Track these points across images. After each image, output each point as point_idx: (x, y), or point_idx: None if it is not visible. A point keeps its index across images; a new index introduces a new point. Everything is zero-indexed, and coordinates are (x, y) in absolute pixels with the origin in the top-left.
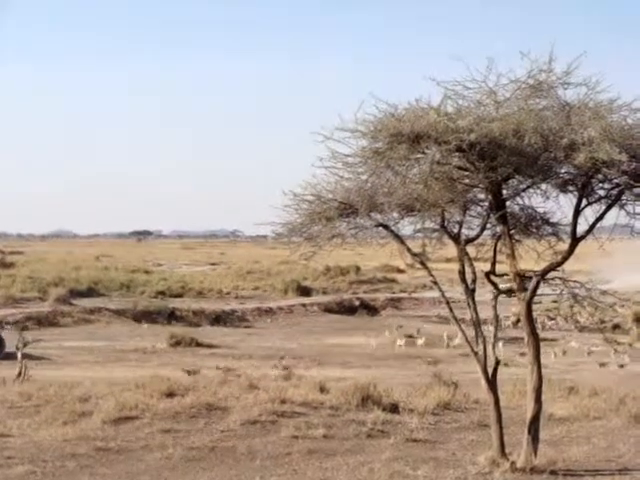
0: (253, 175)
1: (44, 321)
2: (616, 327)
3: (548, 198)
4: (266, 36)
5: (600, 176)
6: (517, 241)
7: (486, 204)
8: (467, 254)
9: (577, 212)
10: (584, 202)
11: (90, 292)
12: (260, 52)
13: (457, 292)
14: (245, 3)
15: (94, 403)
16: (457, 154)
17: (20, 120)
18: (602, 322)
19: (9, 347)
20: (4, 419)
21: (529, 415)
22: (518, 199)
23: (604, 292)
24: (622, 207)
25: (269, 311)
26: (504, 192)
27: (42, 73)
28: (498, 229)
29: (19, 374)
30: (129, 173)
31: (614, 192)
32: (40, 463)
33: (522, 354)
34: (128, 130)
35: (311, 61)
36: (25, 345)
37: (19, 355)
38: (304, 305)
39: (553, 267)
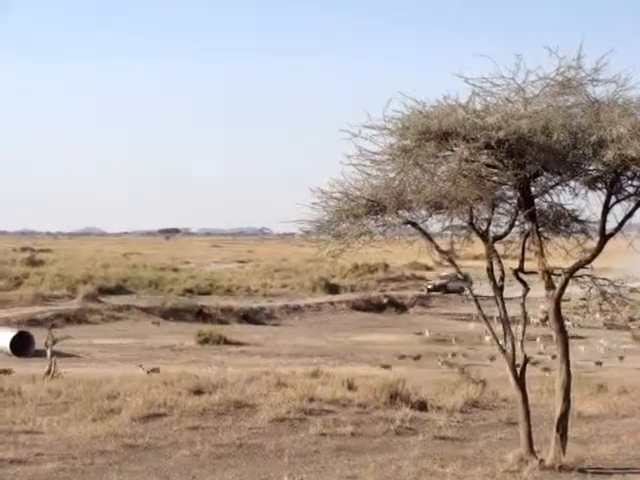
0: (281, 173)
1: (73, 319)
2: None
3: (577, 195)
4: (296, 36)
5: (629, 173)
6: (545, 238)
7: (514, 201)
8: (495, 251)
9: (606, 209)
10: (613, 199)
11: (119, 290)
12: (289, 52)
13: (485, 290)
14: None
15: (122, 400)
16: (485, 151)
17: (50, 119)
18: (631, 320)
19: (38, 345)
20: (34, 416)
21: (557, 413)
22: (547, 196)
23: (633, 290)
24: None
25: (297, 309)
26: (532, 189)
27: (67, 71)
28: (526, 226)
29: (48, 371)
30: (159, 171)
31: None
32: (69, 460)
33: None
34: (159, 129)
35: (339, 59)
36: (54, 343)
37: (48, 352)
38: (332, 303)
39: (582, 265)
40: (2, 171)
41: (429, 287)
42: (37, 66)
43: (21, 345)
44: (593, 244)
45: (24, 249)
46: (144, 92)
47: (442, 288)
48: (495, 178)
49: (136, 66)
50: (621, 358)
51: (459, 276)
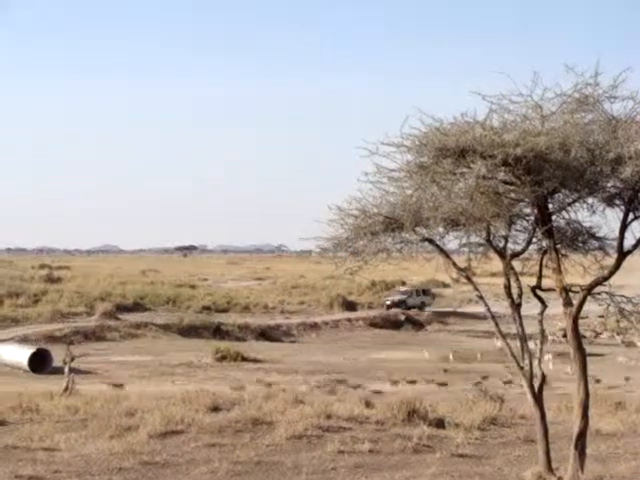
0: (299, 189)
1: (91, 335)
2: None
3: (594, 212)
4: (314, 51)
5: None
6: (563, 255)
7: (532, 218)
8: (513, 268)
9: (624, 226)
10: (631, 216)
11: (136, 307)
12: (309, 69)
13: (503, 307)
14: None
15: (140, 417)
16: (503, 168)
17: (65, 137)
18: None
19: (56, 362)
20: (52, 433)
21: (576, 430)
22: (564, 213)
23: None
24: None
25: (314, 326)
26: (550, 206)
27: (81, 87)
28: (544, 243)
29: (66, 388)
30: (175, 189)
31: None
32: (87, 477)
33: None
34: (175, 147)
35: (355, 76)
36: (72, 359)
37: (66, 369)
38: (349, 320)
39: (599, 282)
40: (20, 189)
41: (388, 303)
42: (55, 80)
43: (39, 362)
44: (611, 261)
45: (42, 266)
46: (160, 108)
47: (402, 304)
48: (512, 195)
49: (154, 81)
50: None
51: (419, 291)
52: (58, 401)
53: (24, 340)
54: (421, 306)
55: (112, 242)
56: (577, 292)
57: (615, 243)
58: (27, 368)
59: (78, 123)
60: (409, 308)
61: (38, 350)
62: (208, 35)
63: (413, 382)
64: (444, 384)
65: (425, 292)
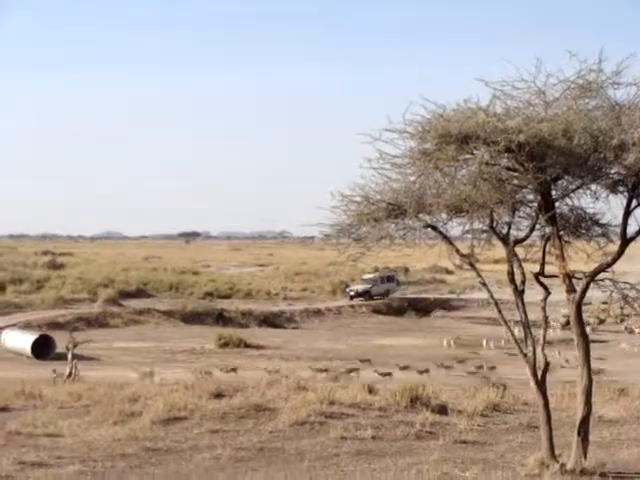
0: (301, 176)
1: (94, 322)
2: None
3: (598, 199)
4: (318, 42)
5: None
6: (566, 242)
7: (535, 205)
8: (516, 255)
9: (627, 213)
10: (634, 203)
11: (139, 293)
12: (309, 58)
13: (506, 293)
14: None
15: (143, 403)
16: (506, 155)
17: (71, 123)
18: None
19: (59, 348)
20: (55, 419)
21: (579, 417)
22: (567, 200)
23: None
24: None
25: (317, 312)
26: (553, 193)
27: (87, 74)
28: (547, 230)
29: (69, 374)
30: (177, 175)
31: None
32: (90, 463)
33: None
34: (180, 133)
35: (359, 63)
36: (75, 346)
37: (69, 356)
38: (352, 306)
39: (603, 268)
40: (23, 175)
41: (351, 294)
42: (62, 70)
43: (42, 348)
44: (614, 247)
45: (45, 253)
46: (167, 96)
47: (365, 294)
48: (516, 181)
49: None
50: None
51: (383, 278)
52: (61, 387)
53: (27, 326)
54: (385, 294)
55: (115, 228)
56: (580, 279)
57: (618, 230)
58: (30, 354)
59: (80, 109)
60: (373, 297)
61: (41, 336)
62: (208, 26)
63: (416, 368)
64: (448, 367)
65: (390, 279)
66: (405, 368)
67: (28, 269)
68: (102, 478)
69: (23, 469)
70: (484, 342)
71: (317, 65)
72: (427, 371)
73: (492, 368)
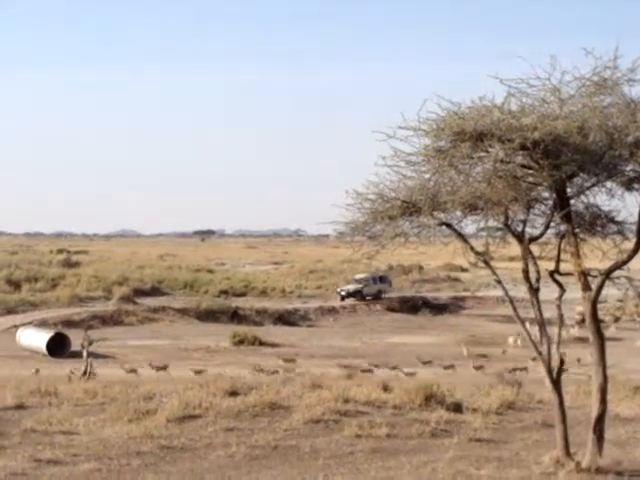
0: (316, 174)
1: (109, 320)
2: None
3: (613, 196)
4: (326, 39)
5: None
6: (582, 240)
7: (550, 202)
8: (531, 253)
9: None
10: None
11: (154, 291)
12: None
13: (521, 291)
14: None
15: (158, 401)
16: (521, 152)
17: (86, 121)
18: None
19: (74, 346)
20: (70, 417)
21: (594, 415)
22: (583, 197)
23: None
24: None
25: (332, 310)
26: (568, 190)
27: (104, 72)
28: (562, 228)
29: (84, 372)
30: (192, 173)
31: None
32: (105, 460)
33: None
34: (192, 131)
35: (372, 59)
36: (90, 344)
37: (84, 353)
38: (367, 304)
39: (618, 266)
40: (38, 174)
41: (342, 294)
42: (70, 69)
43: (57, 346)
44: (630, 245)
45: (60, 251)
46: (183, 95)
47: (357, 294)
48: (530, 179)
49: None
50: None
51: (375, 278)
52: (77, 385)
53: (42, 324)
54: (378, 295)
55: (130, 227)
56: (596, 276)
57: (634, 227)
58: (45, 352)
59: (100, 109)
60: (365, 297)
61: (56, 334)
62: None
63: (431, 366)
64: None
65: (382, 279)
66: (427, 363)
67: (43, 267)
68: (117, 476)
69: (38, 466)
70: (510, 340)
71: (332, 62)
72: (452, 366)
73: (522, 369)
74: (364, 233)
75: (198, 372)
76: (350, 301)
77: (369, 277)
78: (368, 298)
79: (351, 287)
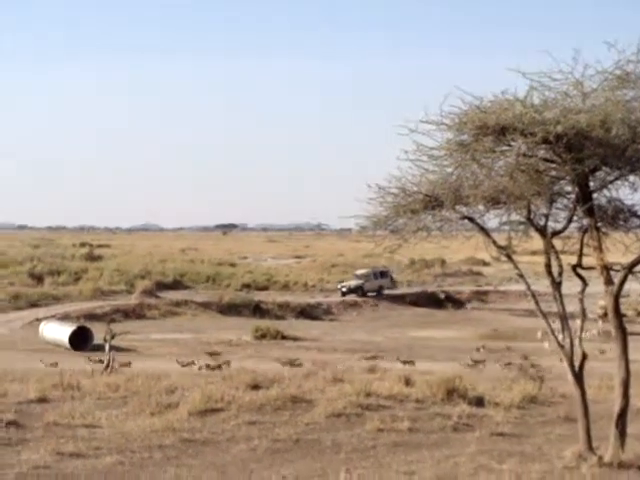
0: (338, 168)
1: (131, 313)
2: None
3: (636, 190)
4: (356, 34)
5: None
6: (604, 234)
7: (573, 196)
8: (553, 247)
9: None
10: None
11: (176, 285)
12: (350, 49)
13: (543, 285)
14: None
15: (180, 395)
16: (543, 146)
17: (109, 116)
18: None
19: (97, 339)
20: (93, 410)
21: (617, 409)
22: (605, 191)
23: None
24: None
25: (354, 304)
26: (591, 184)
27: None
28: (585, 222)
29: (107, 366)
30: (216, 167)
31: None
32: (127, 454)
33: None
34: (216, 126)
35: (396, 54)
36: (113, 337)
37: (107, 347)
38: (389, 298)
39: None
40: (61, 168)
41: (343, 290)
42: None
43: (80, 340)
44: None
45: (83, 244)
46: (204, 89)
47: (358, 290)
48: (553, 173)
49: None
50: None
51: (376, 274)
52: (99, 378)
53: (65, 318)
54: (379, 290)
55: (153, 220)
56: (618, 270)
57: None
58: (68, 346)
59: (118, 100)
60: (366, 293)
61: (79, 328)
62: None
63: (452, 360)
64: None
65: (383, 274)
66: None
67: (66, 261)
68: (139, 469)
69: (61, 459)
70: (539, 334)
71: (355, 55)
72: (483, 362)
73: (525, 358)
74: (386, 227)
75: (216, 367)
76: (352, 297)
77: (370, 273)
78: (370, 294)
79: (352, 282)
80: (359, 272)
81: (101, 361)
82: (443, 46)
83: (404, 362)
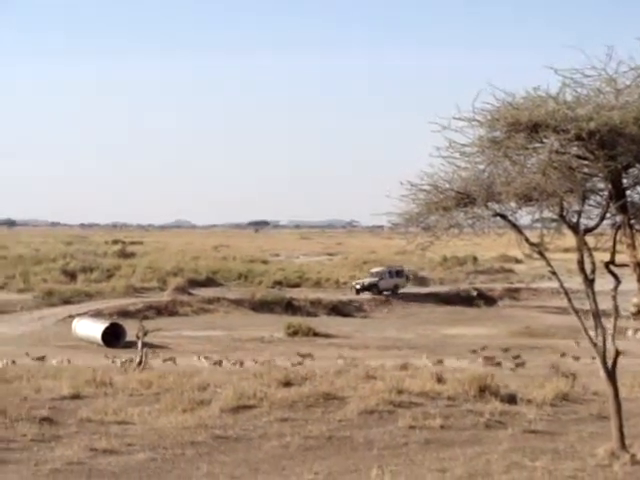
0: (371, 165)
1: (163, 310)
2: None
3: None
4: (382, 28)
5: None
6: (637, 231)
7: (606, 193)
8: (586, 244)
9: None
10: None
11: (208, 282)
12: (378, 45)
13: (576, 282)
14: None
15: (212, 391)
16: (576, 143)
17: (139, 116)
18: None
19: (130, 336)
20: (125, 407)
21: None
22: (638, 188)
23: None
24: None
25: (386, 301)
26: (624, 181)
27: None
28: (618, 219)
29: (139, 362)
30: (248, 165)
31: None
32: (160, 450)
33: None
34: (250, 126)
35: (428, 50)
36: (145, 334)
37: (139, 344)
38: (421, 295)
39: None
40: (94, 167)
41: (357, 287)
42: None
43: (113, 336)
44: None
45: (115, 242)
46: (235, 86)
47: (373, 287)
48: (586, 170)
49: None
50: None
51: (392, 272)
52: (132, 375)
53: (98, 315)
54: (394, 289)
55: (185, 217)
56: None
57: None
58: (101, 342)
59: (165, 97)
60: (381, 291)
61: (112, 324)
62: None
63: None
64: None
65: (398, 273)
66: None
67: (99, 258)
68: (172, 465)
69: (94, 456)
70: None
71: (386, 49)
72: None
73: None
74: (418, 224)
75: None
76: (366, 295)
77: (385, 271)
78: (385, 293)
79: (366, 280)
80: (374, 270)
81: (130, 360)
82: (479, 44)
83: (437, 362)
